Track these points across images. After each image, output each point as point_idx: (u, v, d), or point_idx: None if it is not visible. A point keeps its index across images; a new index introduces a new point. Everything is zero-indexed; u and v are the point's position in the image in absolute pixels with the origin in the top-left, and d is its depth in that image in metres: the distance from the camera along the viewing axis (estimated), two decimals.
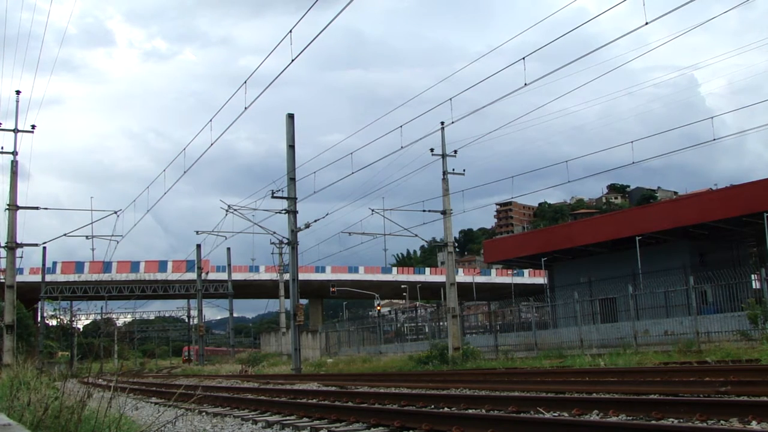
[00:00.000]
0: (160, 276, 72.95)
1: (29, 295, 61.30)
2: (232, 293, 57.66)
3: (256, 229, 32.57)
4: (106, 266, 63.83)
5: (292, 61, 15.01)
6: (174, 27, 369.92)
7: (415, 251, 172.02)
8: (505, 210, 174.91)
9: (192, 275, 57.33)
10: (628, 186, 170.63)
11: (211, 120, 23.06)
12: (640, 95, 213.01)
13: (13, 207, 26.22)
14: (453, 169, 28.06)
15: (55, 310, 61.41)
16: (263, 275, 71.10)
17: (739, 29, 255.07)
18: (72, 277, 70.44)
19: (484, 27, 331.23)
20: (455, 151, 28.15)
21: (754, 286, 25.44)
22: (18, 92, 26.88)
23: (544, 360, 22.77)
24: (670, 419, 7.42)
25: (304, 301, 68.96)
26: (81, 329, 75.39)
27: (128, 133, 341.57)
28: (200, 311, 57.46)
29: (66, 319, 69.73)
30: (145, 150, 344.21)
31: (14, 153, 26.14)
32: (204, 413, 11.95)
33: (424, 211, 29.34)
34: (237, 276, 65.60)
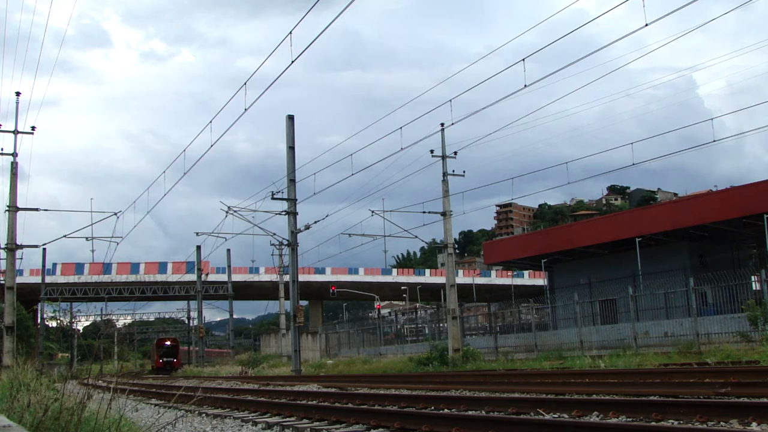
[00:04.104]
0: (160, 277, 72.92)
1: (29, 296, 61.28)
2: (232, 295, 57.63)
3: (256, 230, 32.59)
4: (106, 268, 63.79)
5: (292, 62, 15.08)
6: (171, 28, 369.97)
7: (415, 252, 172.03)
8: (505, 211, 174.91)
9: (192, 276, 57.32)
10: (628, 187, 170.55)
11: (211, 121, 23.17)
12: (639, 97, 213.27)
13: (13, 208, 26.23)
14: (453, 171, 28.08)
15: (54, 311, 61.46)
16: (263, 276, 71.03)
17: (738, 30, 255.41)
18: (72, 279, 70.40)
19: (482, 28, 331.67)
20: (455, 153, 28.16)
21: (754, 288, 25.41)
22: (18, 93, 26.85)
23: (544, 361, 22.77)
24: (670, 420, 7.42)
25: (304, 303, 68.82)
26: (81, 331, 75.36)
27: (126, 135, 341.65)
28: (200, 313, 57.46)
29: (66, 321, 69.82)
30: (143, 151, 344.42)
31: (14, 154, 26.17)
32: (204, 414, 11.96)
33: (424, 212, 29.38)
34: (237, 277, 65.52)
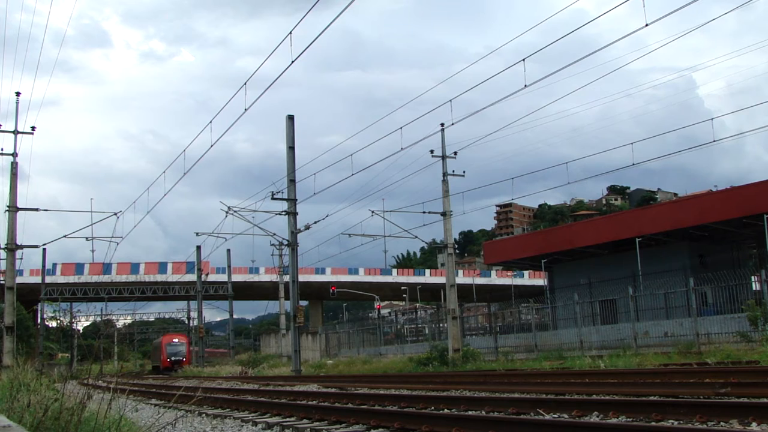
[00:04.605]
0: (160, 277, 72.95)
1: (29, 296, 61.30)
2: (232, 295, 57.61)
3: (256, 230, 32.59)
4: (106, 268, 63.81)
5: (293, 62, 15.08)
6: (171, 28, 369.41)
7: (415, 253, 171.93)
8: (505, 211, 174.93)
9: (192, 277, 57.29)
10: (628, 187, 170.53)
11: (211, 121, 23.19)
12: (639, 97, 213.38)
13: (13, 209, 26.23)
14: (453, 171, 28.07)
15: (54, 311, 61.52)
16: (263, 277, 71.04)
17: (738, 30, 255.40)
18: (72, 279, 70.43)
19: (482, 28, 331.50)
20: (455, 153, 28.16)
21: (754, 288, 25.42)
22: (18, 94, 26.85)
23: (544, 361, 22.77)
24: (670, 420, 7.42)
25: (304, 303, 68.73)
26: (81, 331, 75.27)
27: (126, 135, 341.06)
28: (200, 313, 57.39)
29: (66, 321, 69.77)
30: (143, 151, 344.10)
31: (14, 155, 26.17)
32: (204, 415, 11.96)
33: (424, 212, 29.38)
34: (237, 277, 65.50)
